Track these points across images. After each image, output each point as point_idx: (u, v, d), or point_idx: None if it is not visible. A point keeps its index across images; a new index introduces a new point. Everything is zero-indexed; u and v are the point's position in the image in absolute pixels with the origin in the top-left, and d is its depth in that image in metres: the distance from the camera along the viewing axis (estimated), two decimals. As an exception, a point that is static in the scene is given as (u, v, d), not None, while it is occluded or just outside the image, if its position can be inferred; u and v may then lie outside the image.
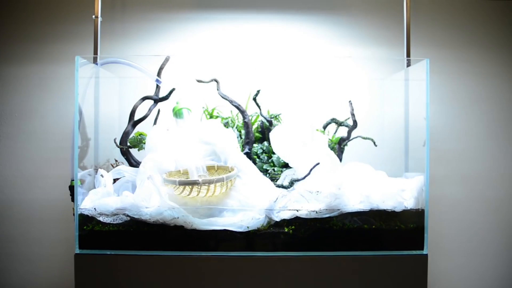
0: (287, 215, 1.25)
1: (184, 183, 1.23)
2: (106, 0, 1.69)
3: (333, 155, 1.40)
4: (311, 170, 1.30)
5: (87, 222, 1.28)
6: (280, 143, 1.38)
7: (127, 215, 1.23)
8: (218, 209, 1.28)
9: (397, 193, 1.30)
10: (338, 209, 1.24)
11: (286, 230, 1.26)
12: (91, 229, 1.26)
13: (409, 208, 1.30)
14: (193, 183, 1.23)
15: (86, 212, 1.25)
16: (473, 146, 1.76)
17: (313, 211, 1.24)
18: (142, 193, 1.24)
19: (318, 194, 1.25)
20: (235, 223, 1.23)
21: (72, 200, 1.29)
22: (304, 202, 1.26)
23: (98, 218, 1.25)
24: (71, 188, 1.35)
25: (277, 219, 1.25)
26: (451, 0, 1.76)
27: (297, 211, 1.24)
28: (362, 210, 1.27)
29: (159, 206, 1.22)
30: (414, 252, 1.28)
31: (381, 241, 1.29)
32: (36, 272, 1.71)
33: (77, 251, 1.25)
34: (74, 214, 1.26)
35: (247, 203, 1.27)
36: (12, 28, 1.71)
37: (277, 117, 1.54)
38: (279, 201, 1.26)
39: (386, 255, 1.26)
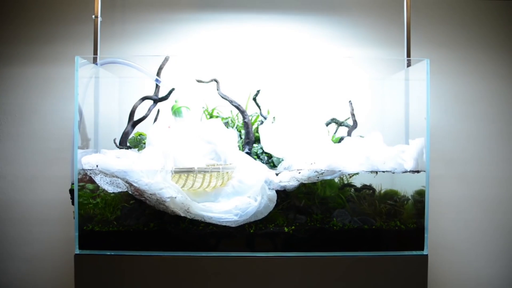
0: (287, 178, 1.24)
1: (179, 171, 1.23)
2: (106, 0, 1.69)
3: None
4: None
5: (86, 222, 1.28)
6: (270, 139, 1.38)
7: (127, 181, 1.19)
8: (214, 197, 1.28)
9: (397, 154, 1.31)
10: (339, 170, 1.24)
11: (286, 230, 1.26)
12: (91, 230, 1.26)
13: (408, 170, 1.29)
14: (188, 171, 1.23)
15: (87, 167, 1.21)
16: (473, 146, 1.75)
17: (315, 171, 1.23)
18: (148, 162, 1.23)
19: (314, 164, 1.26)
20: (230, 209, 1.22)
21: (73, 203, 1.29)
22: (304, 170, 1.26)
23: (96, 176, 1.23)
24: (71, 192, 1.34)
25: (279, 188, 1.25)
26: (451, 0, 1.76)
27: (299, 172, 1.23)
28: (362, 171, 1.27)
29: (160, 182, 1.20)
30: (414, 252, 1.28)
31: (381, 241, 1.29)
32: (36, 272, 1.71)
33: (77, 251, 1.25)
34: (74, 217, 1.26)
35: (242, 187, 1.26)
36: (12, 28, 1.71)
37: (277, 117, 1.54)
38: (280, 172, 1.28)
39: (386, 256, 1.26)
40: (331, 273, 1.25)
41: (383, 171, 1.28)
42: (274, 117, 1.51)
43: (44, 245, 1.70)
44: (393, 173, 1.29)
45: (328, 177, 1.24)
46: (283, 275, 1.24)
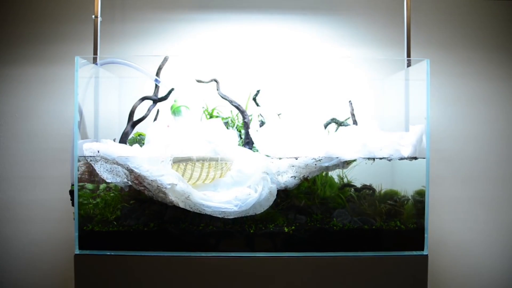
0: (285, 167, 1.24)
1: (178, 160, 1.22)
2: (106, 0, 1.69)
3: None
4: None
5: (86, 222, 1.28)
6: (264, 142, 1.38)
7: (128, 167, 1.18)
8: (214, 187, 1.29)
9: (394, 141, 1.30)
10: (337, 157, 1.24)
11: (286, 230, 1.26)
12: (91, 230, 1.26)
13: (406, 157, 1.27)
14: (187, 160, 1.22)
15: (88, 153, 1.20)
16: (473, 147, 1.75)
17: (313, 158, 1.23)
18: (149, 150, 1.22)
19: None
20: (230, 200, 1.21)
21: (73, 205, 1.29)
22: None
23: (96, 164, 1.23)
24: (71, 193, 1.34)
25: (279, 187, 1.26)
26: (451, 0, 1.76)
27: (296, 159, 1.23)
28: (360, 158, 1.27)
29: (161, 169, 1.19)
30: (414, 252, 1.28)
31: (381, 241, 1.29)
32: (36, 272, 1.71)
33: (77, 251, 1.25)
34: (74, 218, 1.26)
35: (241, 177, 1.26)
36: (12, 28, 1.71)
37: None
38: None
39: (386, 256, 1.26)
40: (331, 273, 1.25)
41: (380, 158, 1.27)
42: (259, 115, 1.49)
43: (44, 245, 1.70)
44: (390, 160, 1.27)
45: (326, 164, 1.24)
46: (283, 275, 1.24)
